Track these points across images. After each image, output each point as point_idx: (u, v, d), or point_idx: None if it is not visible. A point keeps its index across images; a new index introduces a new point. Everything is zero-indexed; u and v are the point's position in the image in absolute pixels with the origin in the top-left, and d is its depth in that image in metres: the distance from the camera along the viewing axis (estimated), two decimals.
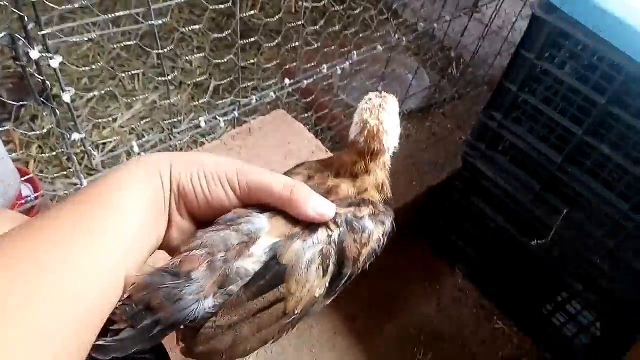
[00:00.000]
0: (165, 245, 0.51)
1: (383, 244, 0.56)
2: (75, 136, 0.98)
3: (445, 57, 2.09)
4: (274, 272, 0.47)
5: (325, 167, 0.59)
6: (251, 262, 0.47)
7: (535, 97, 1.12)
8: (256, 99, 1.25)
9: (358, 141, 0.57)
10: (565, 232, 1.18)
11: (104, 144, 1.74)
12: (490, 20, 1.64)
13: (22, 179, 1.25)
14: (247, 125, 1.30)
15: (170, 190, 0.49)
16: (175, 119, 1.29)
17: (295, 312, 0.49)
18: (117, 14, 0.89)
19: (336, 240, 0.51)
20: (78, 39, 0.89)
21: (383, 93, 0.59)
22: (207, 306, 0.46)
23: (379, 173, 0.58)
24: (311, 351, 1.42)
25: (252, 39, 1.18)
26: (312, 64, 1.29)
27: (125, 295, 0.44)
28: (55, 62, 0.85)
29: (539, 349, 1.52)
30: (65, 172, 1.61)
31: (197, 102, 1.59)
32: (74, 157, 1.04)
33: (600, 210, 1.10)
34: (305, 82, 1.31)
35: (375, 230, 0.54)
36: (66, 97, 0.92)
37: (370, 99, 0.58)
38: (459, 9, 1.62)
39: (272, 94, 1.26)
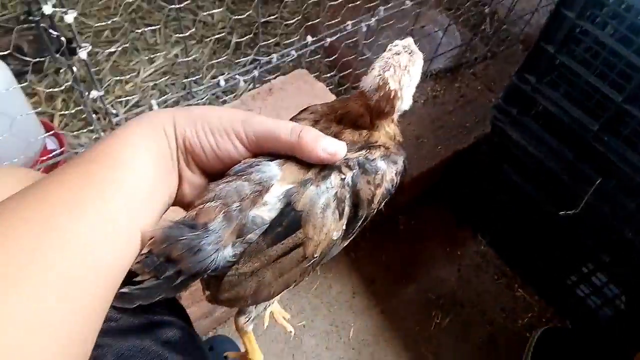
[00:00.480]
0: (179, 202, 0.51)
1: (396, 184, 0.55)
2: (94, 94, 0.97)
3: (479, 13, 1.97)
4: (290, 219, 0.47)
5: (331, 112, 0.57)
6: (267, 211, 0.47)
7: (574, 60, 1.04)
8: (277, 58, 1.21)
9: (371, 97, 0.54)
10: (597, 203, 1.13)
11: (127, 100, 1.73)
12: None
13: (48, 133, 1.26)
14: (268, 85, 1.26)
15: (177, 147, 0.48)
16: (196, 77, 1.26)
17: (315, 255, 0.50)
18: None
19: (350, 183, 0.50)
20: None
21: (412, 46, 0.55)
22: (227, 255, 0.46)
23: (387, 128, 0.56)
24: (329, 311, 1.44)
25: None
26: (337, 19, 1.23)
27: (145, 250, 0.44)
28: (70, 17, 0.82)
29: (560, 319, 1.50)
30: (91, 127, 1.62)
31: (218, 59, 1.55)
32: (93, 116, 1.03)
33: (635, 182, 1.05)
34: (328, 39, 1.26)
35: (388, 170, 0.53)
36: (83, 54, 0.90)
37: (397, 54, 0.54)
38: None
39: (293, 52, 1.21)
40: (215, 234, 0.45)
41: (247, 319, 0.59)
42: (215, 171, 0.50)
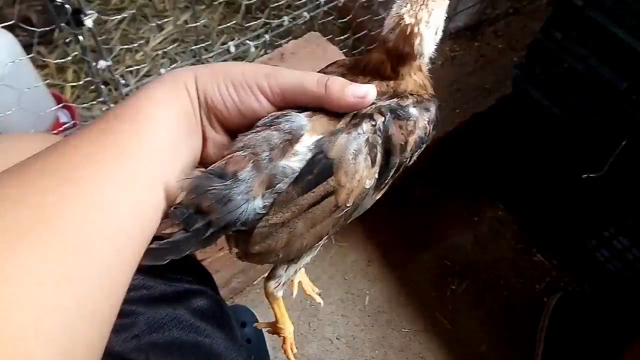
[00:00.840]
0: (203, 164, 0.51)
1: (429, 133, 0.53)
2: (102, 64, 0.95)
3: None
4: (321, 167, 0.46)
5: (357, 64, 0.55)
6: (297, 161, 0.46)
7: (604, 14, 0.98)
8: (289, 21, 1.17)
9: (388, 39, 0.51)
10: (622, 165, 1.09)
11: (137, 69, 1.71)
12: None
13: (58, 106, 1.25)
14: (280, 50, 1.23)
15: (199, 104, 0.48)
16: (206, 43, 1.23)
17: (347, 205, 0.48)
18: None
19: (381, 128, 0.49)
20: None
21: None
22: (256, 207, 0.45)
23: (414, 76, 0.53)
24: (345, 279, 1.44)
25: None
26: None
27: (176, 202, 0.44)
28: None
29: (578, 283, 1.48)
30: (102, 99, 1.60)
31: (228, 24, 1.51)
32: (103, 87, 1.01)
33: None
34: None
35: (421, 117, 0.51)
36: (88, 22, 0.87)
37: None
38: None
39: (305, 14, 1.17)
40: (245, 183, 0.44)
41: (277, 283, 0.58)
42: (239, 129, 0.49)
